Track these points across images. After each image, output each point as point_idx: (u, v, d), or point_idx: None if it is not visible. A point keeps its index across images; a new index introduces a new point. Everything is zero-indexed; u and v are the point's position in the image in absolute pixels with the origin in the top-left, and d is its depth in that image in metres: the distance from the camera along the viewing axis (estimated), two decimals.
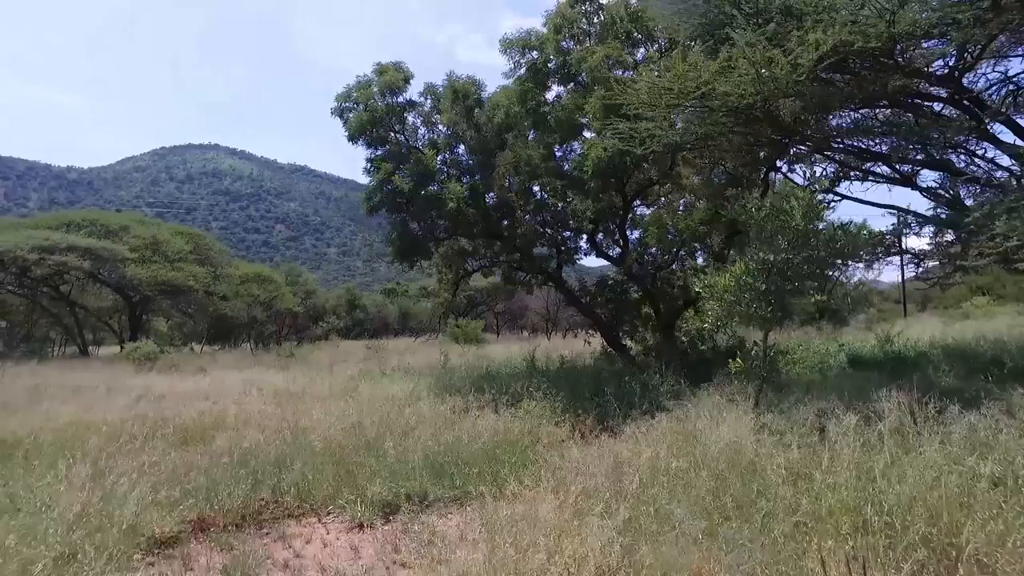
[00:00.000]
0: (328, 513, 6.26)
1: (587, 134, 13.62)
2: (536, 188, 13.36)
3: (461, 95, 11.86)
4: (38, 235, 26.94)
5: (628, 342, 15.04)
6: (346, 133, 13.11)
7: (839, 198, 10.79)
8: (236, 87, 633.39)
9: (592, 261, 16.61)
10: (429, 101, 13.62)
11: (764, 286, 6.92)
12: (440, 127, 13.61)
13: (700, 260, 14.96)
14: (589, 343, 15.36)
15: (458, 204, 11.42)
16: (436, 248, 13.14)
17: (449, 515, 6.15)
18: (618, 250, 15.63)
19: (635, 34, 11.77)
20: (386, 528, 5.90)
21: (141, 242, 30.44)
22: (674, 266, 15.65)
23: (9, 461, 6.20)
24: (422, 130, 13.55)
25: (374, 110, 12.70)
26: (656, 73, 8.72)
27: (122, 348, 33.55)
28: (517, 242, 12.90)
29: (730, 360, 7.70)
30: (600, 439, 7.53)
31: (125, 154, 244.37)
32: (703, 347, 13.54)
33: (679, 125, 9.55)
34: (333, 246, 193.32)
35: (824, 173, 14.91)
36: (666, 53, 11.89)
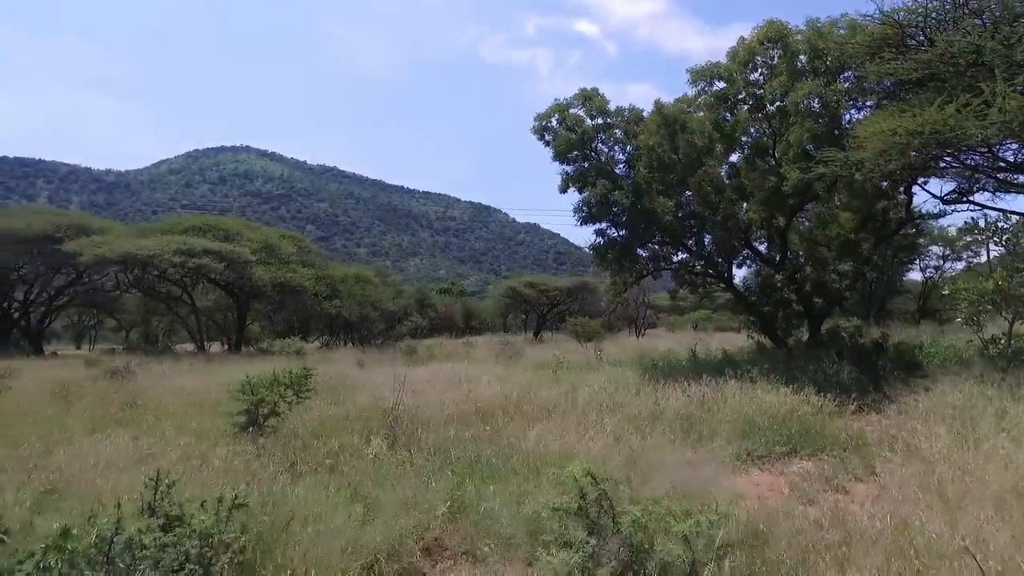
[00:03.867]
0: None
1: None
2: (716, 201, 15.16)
3: (670, 120, 13.70)
4: (176, 240, 29.30)
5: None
6: (552, 152, 15.09)
7: None
8: (265, 89, 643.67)
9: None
10: (617, 122, 15.52)
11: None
12: (628, 147, 15.48)
13: (847, 265, 16.64)
14: (752, 338, 17.18)
15: (672, 217, 13.30)
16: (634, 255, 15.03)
17: (794, 465, 8.01)
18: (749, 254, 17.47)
19: (820, 68, 13.50)
20: (757, 472, 7.77)
21: (256, 245, 32.71)
22: (807, 268, 17.38)
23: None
24: (615, 149, 15.42)
25: (583, 131, 14.63)
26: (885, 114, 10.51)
27: (230, 346, 35.98)
28: (705, 250, 14.80)
29: (988, 344, 9.45)
30: (870, 412, 9.41)
31: (160, 157, 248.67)
32: (861, 341, 15.33)
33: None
34: (363, 246, 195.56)
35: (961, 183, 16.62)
36: (845, 83, 13.71)
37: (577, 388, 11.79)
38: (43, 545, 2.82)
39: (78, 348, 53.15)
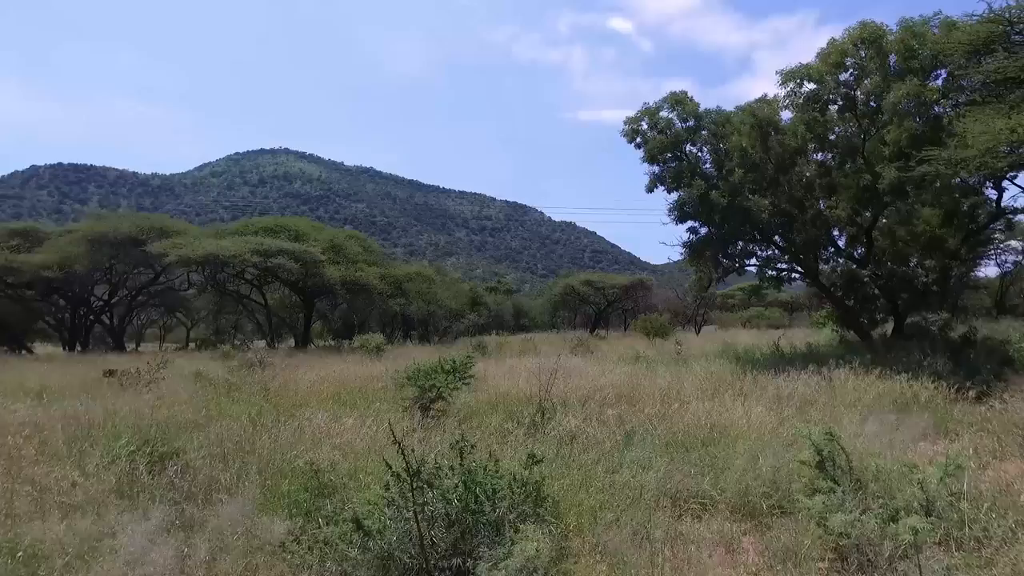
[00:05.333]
0: None
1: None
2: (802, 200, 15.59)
3: (763, 122, 14.20)
4: (253, 241, 30.69)
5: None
6: (643, 154, 15.72)
7: None
8: (302, 92, 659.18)
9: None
10: (704, 124, 16.06)
11: None
12: (716, 148, 16.00)
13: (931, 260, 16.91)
14: (837, 331, 17.58)
15: (768, 215, 13.82)
16: (727, 251, 15.58)
17: (932, 445, 8.53)
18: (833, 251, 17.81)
19: (915, 68, 13.84)
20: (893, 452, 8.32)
21: (324, 245, 33.96)
22: (890, 264, 17.65)
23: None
24: (703, 150, 15.98)
25: (676, 135, 15.22)
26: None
27: (296, 342, 37.38)
28: (794, 246, 15.28)
29: None
30: (990, 399, 9.85)
31: (202, 160, 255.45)
32: (952, 335, 15.60)
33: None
34: (400, 246, 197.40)
35: None
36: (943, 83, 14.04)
37: (682, 378, 12.45)
38: (458, 481, 3.62)
39: (137, 347, 55.14)
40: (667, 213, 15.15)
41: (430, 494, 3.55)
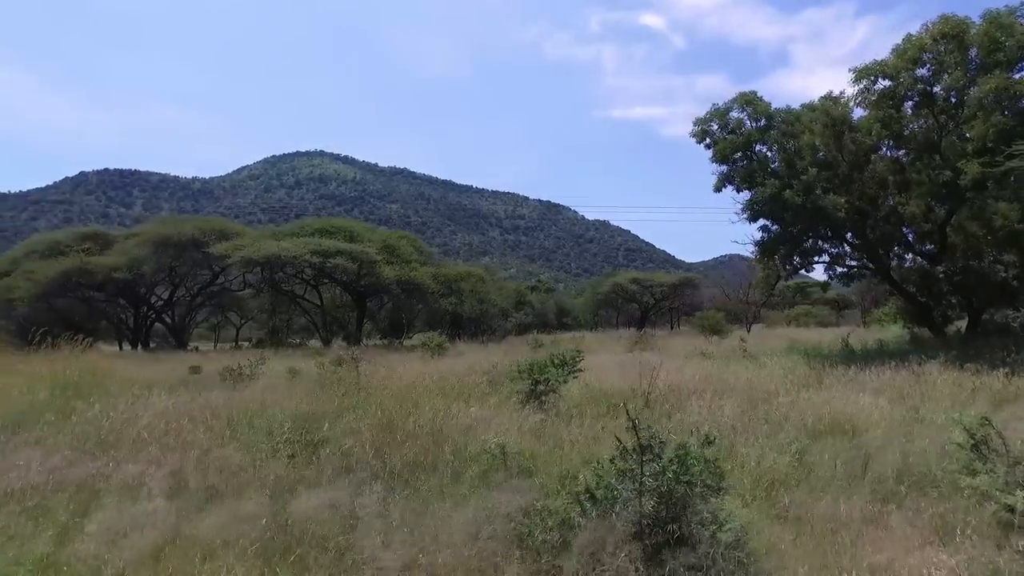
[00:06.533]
0: None
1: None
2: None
3: (837, 121, 14.32)
4: (312, 242, 31.63)
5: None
6: (713, 154, 15.95)
7: None
8: (337, 94, 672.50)
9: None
10: (775, 123, 16.20)
11: None
12: (786, 146, 16.13)
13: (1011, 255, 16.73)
14: (908, 328, 17.56)
15: (845, 213, 13.95)
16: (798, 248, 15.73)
17: None
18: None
19: (1002, 60, 13.76)
20: None
21: (379, 246, 34.72)
22: (964, 260, 17.50)
23: None
24: (773, 149, 16.12)
25: (747, 135, 15.41)
26: None
27: (348, 341, 38.26)
28: (867, 243, 15.36)
29: None
30: None
31: (240, 163, 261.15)
32: None
33: None
34: (434, 246, 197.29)
35: None
36: None
37: (761, 374, 12.69)
38: (673, 455, 4.04)
39: (190, 345, 56.58)
40: (737, 212, 15.40)
41: (654, 466, 3.96)
